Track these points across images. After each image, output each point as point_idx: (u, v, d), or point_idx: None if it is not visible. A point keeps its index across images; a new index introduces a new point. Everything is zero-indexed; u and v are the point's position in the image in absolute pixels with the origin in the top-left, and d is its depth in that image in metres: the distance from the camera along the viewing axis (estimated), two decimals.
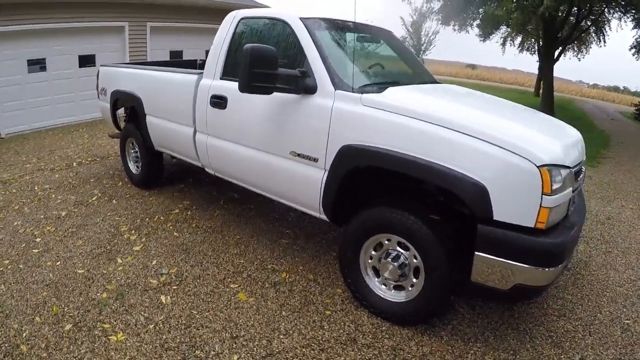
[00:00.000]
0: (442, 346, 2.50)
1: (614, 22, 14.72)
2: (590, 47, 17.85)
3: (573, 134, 2.82)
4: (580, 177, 2.66)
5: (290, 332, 2.56)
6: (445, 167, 2.18)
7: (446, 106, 2.69)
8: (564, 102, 20.49)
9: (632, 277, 3.49)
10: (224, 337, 2.48)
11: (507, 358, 2.45)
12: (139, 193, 4.77)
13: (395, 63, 3.79)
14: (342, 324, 2.65)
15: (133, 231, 3.81)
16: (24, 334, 2.46)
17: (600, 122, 14.47)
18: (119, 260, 3.31)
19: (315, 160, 2.73)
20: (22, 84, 8.02)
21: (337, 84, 2.66)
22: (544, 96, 11.68)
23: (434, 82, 3.61)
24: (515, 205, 2.11)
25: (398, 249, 2.54)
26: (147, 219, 4.07)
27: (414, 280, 2.52)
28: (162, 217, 4.12)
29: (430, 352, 2.45)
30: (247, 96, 2.90)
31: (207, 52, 3.76)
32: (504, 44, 19.14)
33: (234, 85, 2.87)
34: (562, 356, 2.50)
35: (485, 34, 15.41)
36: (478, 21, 13.54)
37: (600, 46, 16.31)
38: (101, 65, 5.30)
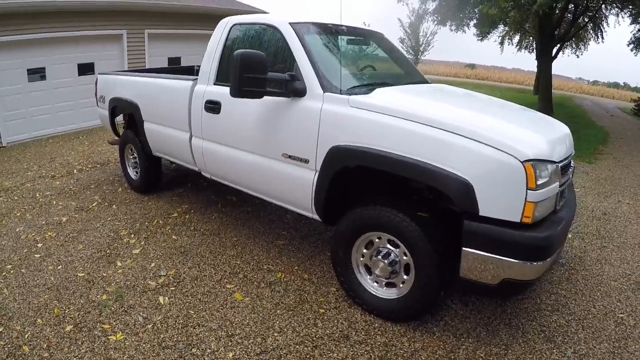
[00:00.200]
0: (433, 342, 2.55)
1: (612, 18, 14.75)
2: (588, 44, 17.83)
3: (560, 129, 2.85)
4: (569, 171, 2.71)
5: (285, 329, 2.61)
6: (430, 165, 2.24)
7: (432, 105, 2.75)
8: (563, 99, 20.46)
9: (627, 271, 3.52)
10: (219, 336, 2.54)
11: (498, 352, 2.49)
12: (138, 198, 4.84)
13: (386, 64, 3.86)
14: (336, 321, 2.70)
15: (132, 235, 3.88)
16: (26, 335, 2.53)
17: (599, 119, 14.46)
18: (119, 263, 3.38)
19: (306, 161, 2.79)
20: (22, 93, 8.10)
21: (326, 86, 2.72)
22: (541, 94, 11.71)
23: (424, 82, 3.67)
24: (500, 200, 2.15)
25: (388, 246, 2.59)
26: (146, 223, 4.14)
27: (405, 277, 2.57)
28: (160, 221, 4.19)
29: (422, 347, 2.50)
30: (239, 101, 2.97)
31: None
32: (502, 43, 19.14)
33: (227, 90, 2.94)
34: (555, 350, 2.53)
35: (483, 34, 15.43)
36: (475, 21, 13.57)
37: (598, 42, 16.32)
38: (99, 73, 5.38)
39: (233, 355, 2.38)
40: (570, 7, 12.66)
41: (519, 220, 2.15)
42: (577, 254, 3.79)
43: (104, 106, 5.15)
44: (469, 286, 2.38)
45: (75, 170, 6.03)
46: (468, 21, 13.09)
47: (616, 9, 13.65)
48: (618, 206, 5.13)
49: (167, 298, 2.91)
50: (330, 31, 3.28)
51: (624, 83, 41.34)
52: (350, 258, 2.75)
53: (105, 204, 4.67)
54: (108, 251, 3.58)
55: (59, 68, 8.59)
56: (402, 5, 11.97)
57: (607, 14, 14.50)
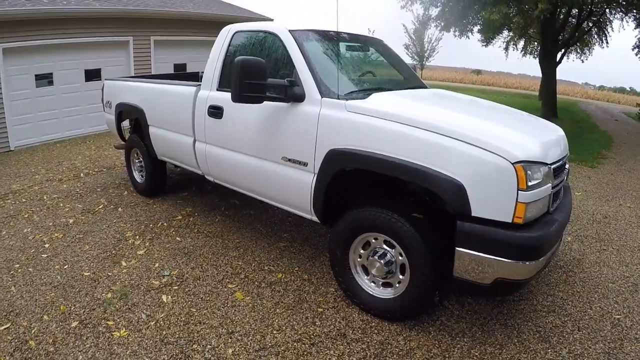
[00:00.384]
0: (429, 341, 2.60)
1: (616, 23, 14.72)
2: (593, 49, 17.80)
3: (554, 131, 2.90)
4: (563, 173, 2.75)
5: (284, 327, 2.68)
6: (423, 167, 2.30)
7: (426, 109, 2.82)
8: (568, 104, 20.41)
9: (625, 273, 3.54)
10: (220, 333, 2.62)
11: (493, 352, 2.53)
12: (143, 201, 4.94)
13: (385, 70, 3.94)
14: (333, 320, 2.77)
15: (137, 236, 3.97)
16: (33, 331, 2.62)
17: (603, 123, 14.42)
18: (124, 263, 3.47)
19: (305, 164, 2.86)
20: (30, 98, 8.26)
21: (324, 91, 2.81)
22: (545, 99, 11.70)
23: (423, 87, 3.74)
24: (492, 201, 2.21)
25: (384, 247, 2.66)
26: (151, 225, 4.23)
27: (401, 277, 2.63)
28: (165, 223, 4.28)
29: (418, 346, 2.55)
30: (241, 106, 3.06)
31: None
32: (506, 49, 19.16)
33: (229, 95, 3.02)
34: (549, 350, 2.56)
35: (487, 39, 15.49)
36: (478, 27, 13.62)
37: (603, 47, 16.30)
38: (106, 79, 5.51)
39: (232, 352, 2.46)
40: (574, 12, 12.67)
41: (510, 221, 2.20)
42: (575, 257, 3.82)
43: (110, 111, 5.27)
44: (464, 286, 2.43)
45: (82, 174, 6.15)
46: (471, 27, 13.13)
47: (620, 13, 13.65)
48: (619, 209, 5.14)
49: (170, 297, 3.00)
50: (329, 38, 3.37)
51: (630, 88, 41.08)
52: (348, 258, 2.82)
53: (111, 206, 4.77)
54: (113, 252, 3.67)
55: (67, 74, 8.75)
56: (406, 11, 12.06)
57: (611, 19, 14.51)
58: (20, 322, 2.71)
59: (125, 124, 5.35)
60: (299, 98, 2.87)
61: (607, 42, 15.97)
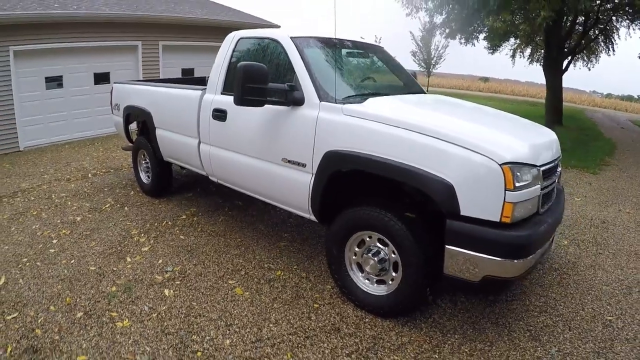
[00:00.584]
0: (420, 337, 2.68)
1: (622, 31, 14.70)
2: (600, 57, 17.77)
3: (545, 135, 2.98)
4: (554, 175, 2.83)
5: (280, 321, 2.78)
6: (414, 168, 2.40)
7: (419, 113, 2.93)
8: (574, 112, 20.38)
9: (620, 277, 3.58)
10: (219, 325, 2.72)
11: (483, 348, 2.60)
12: (149, 201, 5.07)
13: (384, 75, 4.05)
14: (329, 315, 2.86)
15: (142, 234, 4.10)
16: (39, 320, 2.74)
17: (608, 131, 14.41)
18: (128, 259, 3.59)
19: (304, 165, 2.97)
20: (40, 100, 8.43)
21: (322, 96, 2.92)
22: (549, 106, 11.72)
23: (421, 92, 3.84)
24: (480, 201, 2.29)
25: (378, 245, 2.75)
26: (156, 224, 4.36)
27: (394, 274, 2.72)
28: (169, 222, 4.40)
29: (409, 341, 2.63)
30: (243, 109, 3.18)
31: None
32: (513, 56, 19.17)
33: (232, 99, 3.14)
34: (539, 348, 2.62)
35: (493, 47, 15.55)
36: (484, 34, 13.69)
37: (609, 55, 16.28)
38: (115, 83, 5.67)
39: (230, 342, 2.56)
40: (580, 19, 12.69)
41: (498, 220, 2.28)
42: (571, 260, 3.86)
43: (118, 114, 5.42)
44: (455, 283, 2.51)
45: (89, 174, 6.30)
46: (477, 34, 13.21)
47: (627, 21, 13.67)
48: (618, 215, 5.17)
49: (172, 291, 3.11)
50: (329, 44, 3.49)
51: (638, 96, 40.86)
52: (344, 256, 2.92)
53: (118, 205, 4.90)
54: (119, 248, 3.80)
55: (76, 77, 8.93)
56: (412, 19, 12.16)
57: (618, 26, 14.51)
58: (28, 312, 2.83)
59: (133, 126, 5.50)
60: (299, 102, 2.99)
61: (613, 50, 15.96)
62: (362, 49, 3.93)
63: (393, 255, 2.68)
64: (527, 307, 3.06)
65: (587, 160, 8.29)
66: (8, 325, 2.69)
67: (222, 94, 3.70)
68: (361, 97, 3.03)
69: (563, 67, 13.75)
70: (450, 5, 10.00)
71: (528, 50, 19.22)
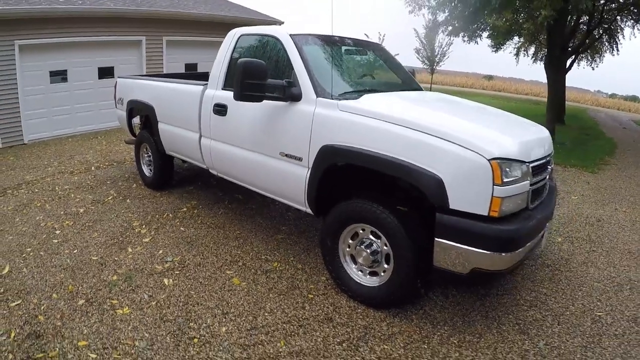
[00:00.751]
0: (410, 327, 2.75)
1: (627, 31, 14.67)
2: (604, 56, 17.71)
3: (537, 132, 3.04)
4: (546, 171, 2.88)
5: (275, 310, 2.87)
6: (405, 162, 2.47)
7: (412, 109, 2.98)
8: (577, 112, 20.36)
9: (612, 274, 3.63)
10: (215, 313, 2.81)
11: (471, 340, 2.66)
12: (151, 194, 5.16)
13: (382, 73, 4.11)
14: (322, 305, 2.94)
15: (144, 226, 4.19)
16: (42, 307, 2.84)
17: (610, 130, 14.41)
18: (130, 250, 3.68)
19: (300, 159, 3.05)
20: (45, 94, 8.53)
21: (319, 92, 2.99)
22: (550, 104, 11.71)
23: (418, 89, 3.91)
24: (469, 195, 2.36)
25: (371, 237, 2.83)
26: (157, 216, 4.45)
27: (386, 266, 2.80)
28: (170, 214, 4.49)
29: (399, 332, 2.70)
30: (243, 104, 3.27)
31: None
32: (517, 55, 19.12)
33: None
34: (527, 341, 2.68)
35: (496, 45, 15.52)
36: (487, 32, 13.67)
37: (614, 54, 16.22)
38: (118, 77, 5.75)
39: (226, 330, 2.65)
40: (584, 18, 12.65)
41: (486, 214, 2.35)
42: (564, 257, 3.91)
43: (122, 108, 5.51)
44: (445, 275, 2.57)
45: (93, 167, 6.40)
46: (480, 32, 13.20)
47: (632, 21, 13.63)
48: (614, 214, 5.22)
49: (171, 280, 3.20)
50: (328, 42, 3.56)
51: None
52: (337, 248, 3.00)
53: (120, 198, 5.00)
54: (121, 239, 3.89)
55: (80, 71, 9.02)
56: (415, 16, 12.13)
57: (622, 26, 14.47)
58: (31, 300, 2.92)
59: (136, 120, 5.59)
60: (296, 97, 3.06)
61: (617, 50, 15.91)
62: (361, 46, 4.00)
63: (385, 248, 2.75)
64: (518, 301, 3.12)
65: (587, 159, 8.33)
66: (12, 311, 2.78)
67: (223, 89, 3.77)
68: (357, 93, 3.10)
69: (566, 66, 13.72)
70: (453, 3, 10.01)
71: (532, 49, 19.19)
